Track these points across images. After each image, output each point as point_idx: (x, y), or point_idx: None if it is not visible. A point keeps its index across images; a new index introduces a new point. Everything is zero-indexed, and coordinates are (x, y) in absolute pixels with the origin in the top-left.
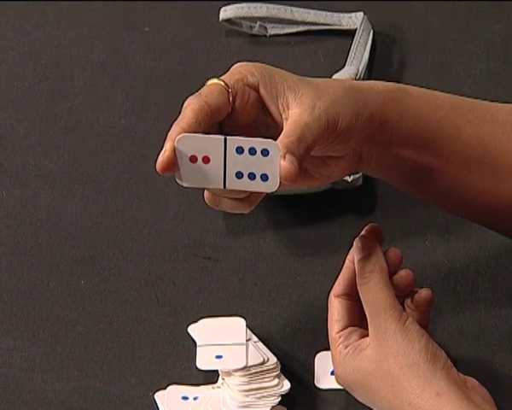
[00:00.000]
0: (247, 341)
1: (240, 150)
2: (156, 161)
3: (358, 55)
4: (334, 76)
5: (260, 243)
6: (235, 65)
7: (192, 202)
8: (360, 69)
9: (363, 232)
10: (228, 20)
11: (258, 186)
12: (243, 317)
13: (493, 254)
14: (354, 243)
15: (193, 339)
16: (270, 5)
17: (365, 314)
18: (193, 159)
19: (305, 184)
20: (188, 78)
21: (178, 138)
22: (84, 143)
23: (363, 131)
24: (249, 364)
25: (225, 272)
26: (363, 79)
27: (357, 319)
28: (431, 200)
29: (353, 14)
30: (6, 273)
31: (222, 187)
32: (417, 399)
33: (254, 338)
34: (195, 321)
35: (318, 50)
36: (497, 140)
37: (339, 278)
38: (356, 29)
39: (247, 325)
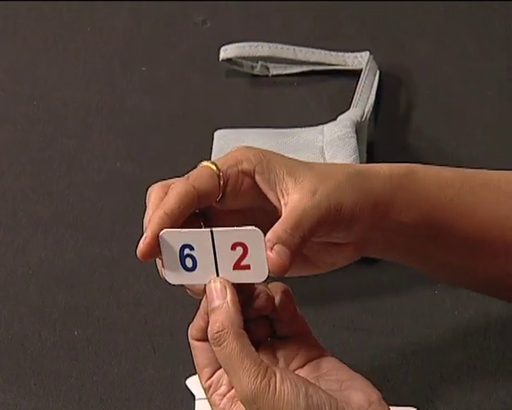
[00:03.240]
0: None
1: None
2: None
3: (364, 97)
4: (339, 118)
5: None
6: (234, 148)
7: None
8: (366, 111)
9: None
10: (228, 60)
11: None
12: None
13: (504, 303)
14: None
15: (192, 392)
16: (273, 44)
17: None
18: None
19: (307, 271)
20: (187, 119)
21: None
22: (77, 188)
23: (368, 218)
24: None
25: None
26: (369, 121)
27: None
28: (441, 278)
29: (359, 54)
30: None
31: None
32: None
33: None
34: (194, 373)
35: (322, 91)
36: None
37: (195, 319)
38: (361, 69)
39: None
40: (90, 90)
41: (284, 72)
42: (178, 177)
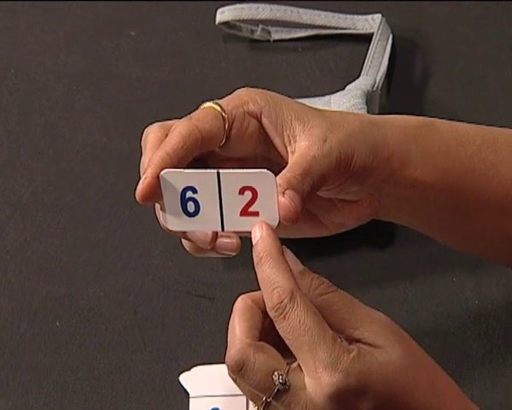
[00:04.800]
0: None
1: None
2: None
3: (375, 64)
4: (348, 87)
5: None
6: (237, 90)
7: None
8: (378, 80)
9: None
10: (226, 23)
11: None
12: None
13: None
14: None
15: (185, 389)
16: (274, 6)
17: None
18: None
19: (314, 232)
20: (180, 90)
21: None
22: (59, 165)
23: (382, 171)
24: None
25: (222, 313)
26: (381, 91)
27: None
28: (460, 246)
29: (370, 17)
30: None
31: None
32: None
33: None
34: (188, 369)
35: (329, 58)
36: None
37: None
38: (373, 33)
39: None
40: (74, 57)
41: (287, 36)
42: None
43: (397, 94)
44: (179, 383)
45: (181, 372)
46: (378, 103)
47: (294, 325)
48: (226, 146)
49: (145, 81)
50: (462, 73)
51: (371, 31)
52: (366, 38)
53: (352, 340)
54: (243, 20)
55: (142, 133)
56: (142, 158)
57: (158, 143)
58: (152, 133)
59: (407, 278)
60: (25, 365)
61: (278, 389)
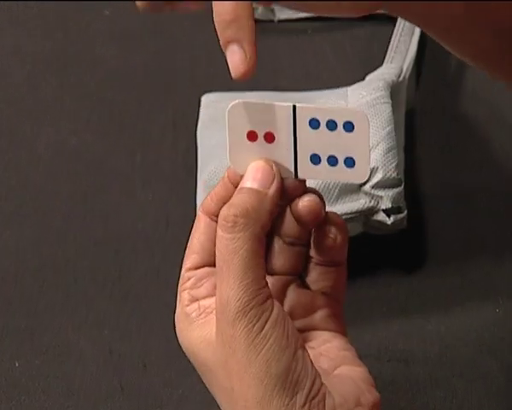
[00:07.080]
0: None
1: (315, 124)
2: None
3: (402, 48)
4: (368, 77)
5: None
6: None
7: (170, 248)
8: (405, 68)
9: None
10: None
11: (341, 175)
12: None
13: None
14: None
15: None
16: None
17: None
18: (250, 136)
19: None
20: (163, 77)
21: (229, 108)
22: (20, 168)
23: None
24: None
25: None
26: (409, 82)
27: None
28: None
29: None
30: None
31: (292, 176)
32: None
33: None
34: None
35: (345, 41)
36: None
37: (216, 188)
38: None
39: None
40: (39, 39)
41: (294, 16)
42: (155, 156)
43: (428, 85)
44: None
45: None
46: (405, 96)
47: (234, 242)
48: None
49: (122, 67)
50: None
51: None
52: (390, 17)
53: None
54: None
55: (118, 130)
56: None
57: None
58: None
59: (440, 309)
60: None
61: None
